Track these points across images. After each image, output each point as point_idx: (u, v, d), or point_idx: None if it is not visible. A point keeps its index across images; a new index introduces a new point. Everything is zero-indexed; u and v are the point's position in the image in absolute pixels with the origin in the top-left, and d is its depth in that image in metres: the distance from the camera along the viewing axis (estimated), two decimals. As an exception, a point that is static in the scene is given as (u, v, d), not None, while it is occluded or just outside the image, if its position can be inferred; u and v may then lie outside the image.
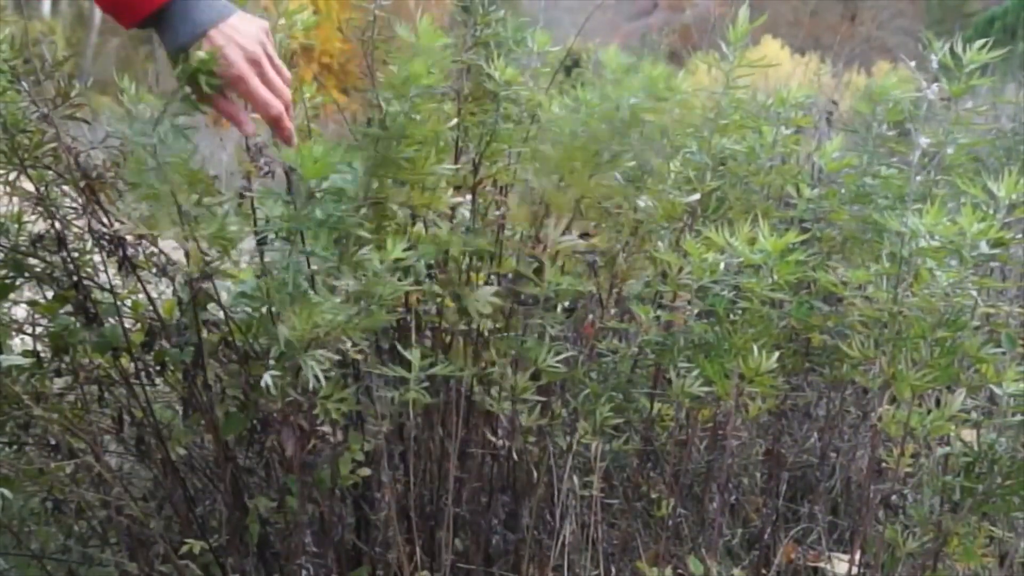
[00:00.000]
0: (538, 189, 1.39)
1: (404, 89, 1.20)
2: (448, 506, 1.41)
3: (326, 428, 1.31)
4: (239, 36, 1.05)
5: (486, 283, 1.45)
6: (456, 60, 1.36)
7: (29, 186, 1.38)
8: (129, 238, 1.39)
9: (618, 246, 1.44)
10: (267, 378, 1.19)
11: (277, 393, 1.26)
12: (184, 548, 1.37)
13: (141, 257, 1.42)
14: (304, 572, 1.32)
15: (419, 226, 1.39)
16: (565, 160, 1.32)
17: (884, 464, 1.40)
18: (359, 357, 1.31)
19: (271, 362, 1.26)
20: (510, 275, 1.43)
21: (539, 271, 1.36)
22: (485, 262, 1.44)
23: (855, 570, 1.46)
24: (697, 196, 1.41)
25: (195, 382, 1.41)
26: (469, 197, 1.43)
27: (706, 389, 1.33)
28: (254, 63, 1.06)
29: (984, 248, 1.22)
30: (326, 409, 1.26)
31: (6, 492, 1.43)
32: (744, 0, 1.35)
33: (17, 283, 1.45)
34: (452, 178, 1.37)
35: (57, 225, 1.41)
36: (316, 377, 1.16)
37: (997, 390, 1.34)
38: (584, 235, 1.40)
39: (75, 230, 1.43)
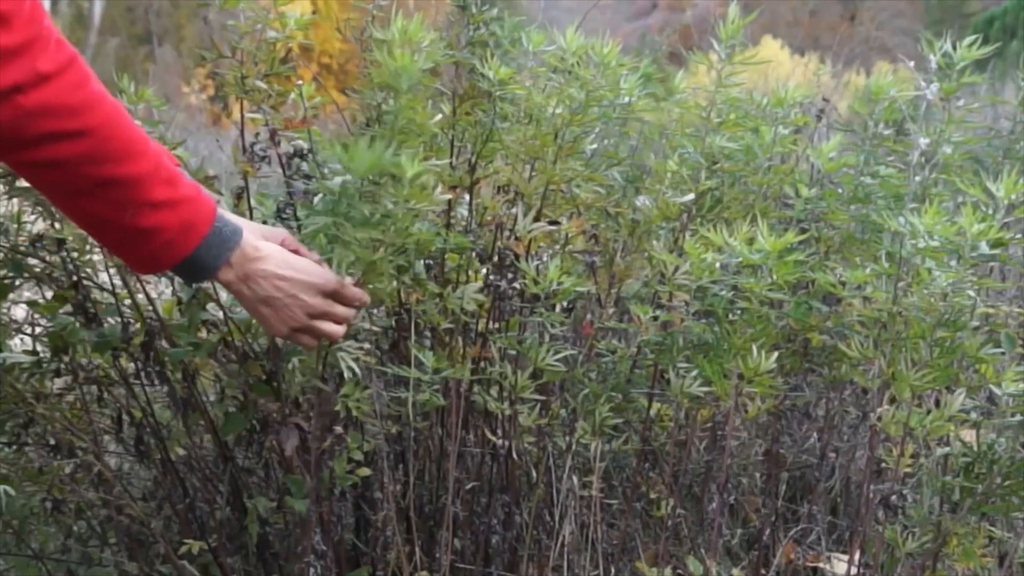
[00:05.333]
0: (507, 177, 1.39)
1: (396, 83, 1.18)
2: (447, 506, 1.41)
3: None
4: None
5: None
6: (452, 59, 1.36)
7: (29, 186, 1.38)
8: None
9: (616, 245, 1.44)
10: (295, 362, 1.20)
11: (297, 385, 1.29)
12: (183, 548, 1.37)
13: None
14: (311, 571, 1.33)
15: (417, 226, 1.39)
16: (528, 147, 1.33)
17: (883, 464, 1.40)
18: (360, 355, 1.31)
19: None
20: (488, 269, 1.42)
21: (515, 263, 1.36)
22: (467, 259, 1.44)
23: (854, 570, 1.46)
24: (692, 196, 1.41)
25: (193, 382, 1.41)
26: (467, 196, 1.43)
27: (705, 389, 1.33)
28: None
29: (983, 248, 1.22)
30: (347, 407, 1.27)
31: (8, 489, 1.43)
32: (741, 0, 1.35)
33: (17, 283, 1.45)
34: (449, 177, 1.37)
35: (57, 225, 1.41)
36: (351, 370, 1.18)
37: (996, 390, 1.34)
38: (553, 222, 1.39)
39: (74, 230, 1.43)
